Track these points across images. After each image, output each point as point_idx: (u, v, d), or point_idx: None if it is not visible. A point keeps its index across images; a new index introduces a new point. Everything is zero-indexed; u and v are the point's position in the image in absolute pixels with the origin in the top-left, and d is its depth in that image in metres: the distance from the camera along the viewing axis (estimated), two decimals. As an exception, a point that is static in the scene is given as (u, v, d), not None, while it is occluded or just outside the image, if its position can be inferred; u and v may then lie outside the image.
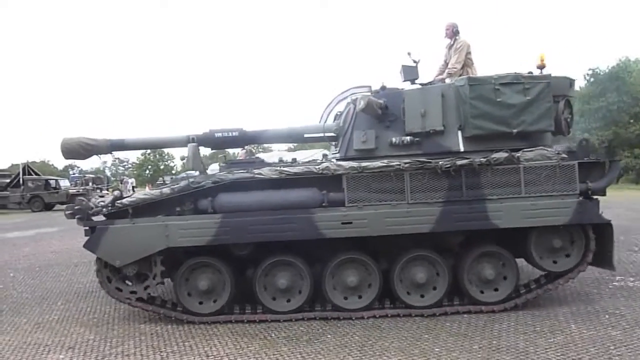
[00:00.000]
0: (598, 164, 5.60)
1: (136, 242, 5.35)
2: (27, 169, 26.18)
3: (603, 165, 5.58)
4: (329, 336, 4.99)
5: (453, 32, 6.65)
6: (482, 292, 5.59)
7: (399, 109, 5.76)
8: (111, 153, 6.29)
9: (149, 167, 41.22)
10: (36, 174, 26.94)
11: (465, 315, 5.39)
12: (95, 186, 27.88)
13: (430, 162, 5.30)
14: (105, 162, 43.28)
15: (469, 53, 6.59)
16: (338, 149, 6.28)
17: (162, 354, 4.67)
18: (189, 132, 6.13)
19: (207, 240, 5.34)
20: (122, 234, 5.37)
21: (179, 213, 5.48)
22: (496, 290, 5.59)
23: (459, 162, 5.28)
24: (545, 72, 5.71)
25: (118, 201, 5.46)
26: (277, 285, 5.53)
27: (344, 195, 5.37)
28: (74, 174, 41.48)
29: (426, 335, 4.89)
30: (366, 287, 5.57)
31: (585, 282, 6.57)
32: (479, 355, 4.37)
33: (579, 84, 32.97)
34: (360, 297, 5.57)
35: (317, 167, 5.46)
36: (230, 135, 6.23)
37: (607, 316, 5.25)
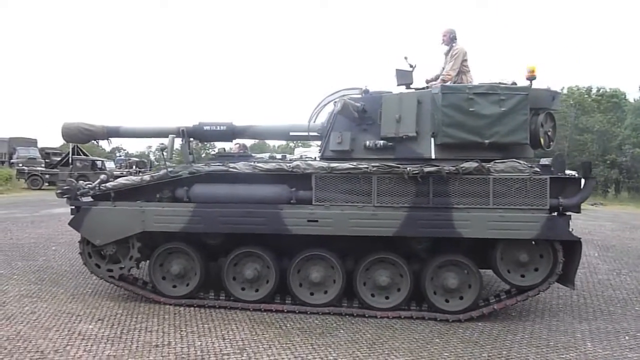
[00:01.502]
0: (574, 180, 5.48)
1: (115, 224, 5.72)
2: (77, 149, 27.58)
3: (579, 182, 5.46)
4: (341, 331, 5.14)
5: (450, 39, 6.60)
6: (446, 300, 5.62)
7: (377, 113, 5.84)
8: (107, 139, 6.71)
9: (191, 154, 42.34)
10: (85, 154, 28.37)
11: (479, 323, 5.42)
12: (138, 169, 29.08)
13: (398, 167, 5.36)
14: (150, 147, 44.80)
15: (465, 60, 6.53)
16: (320, 148, 6.43)
17: (182, 332, 4.97)
18: (180, 124, 6.44)
19: (179, 227, 5.64)
20: (103, 215, 5.76)
21: (158, 200, 5.82)
22: (460, 299, 5.60)
23: (427, 169, 5.31)
24: (543, 85, 5.70)
25: (103, 184, 5.85)
26: (245, 276, 5.76)
27: (312, 194, 5.53)
28: (120, 156, 43.40)
29: (437, 340, 4.95)
30: (330, 284, 5.71)
31: (612, 301, 6.45)
32: (487, 364, 4.40)
33: (634, 96, 31.38)
34: (326, 292, 5.72)
35: (288, 164, 5.64)
36: (219, 129, 6.50)
37: (627, 337, 5.13)
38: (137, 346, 4.59)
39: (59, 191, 5.89)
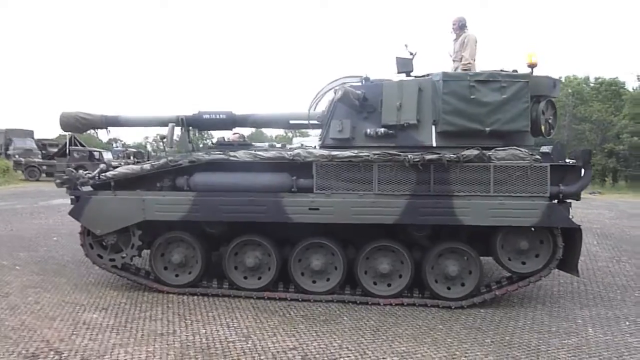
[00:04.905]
0: (575, 168, 5.49)
1: (116, 213, 5.71)
2: (74, 139, 27.41)
3: (579, 170, 5.47)
4: (345, 318, 5.17)
5: (460, 27, 6.58)
6: (448, 288, 5.65)
7: (378, 101, 5.81)
8: (106, 128, 6.68)
9: (190, 142, 42.20)
10: (82, 145, 28.22)
11: (481, 310, 5.46)
12: (136, 160, 28.97)
13: (399, 155, 5.34)
14: (147, 137, 44.61)
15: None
16: (320, 137, 6.41)
17: (186, 321, 4.98)
18: (179, 113, 6.41)
19: (180, 215, 5.63)
20: (103, 204, 5.74)
21: (159, 189, 5.80)
22: (462, 285, 5.63)
23: (428, 157, 5.30)
24: (540, 71, 5.64)
25: (103, 174, 5.83)
26: (246, 264, 5.77)
27: (312, 182, 5.52)
28: (117, 147, 43.13)
29: (440, 326, 4.99)
30: (332, 271, 5.72)
31: (611, 288, 6.51)
32: (490, 349, 4.45)
33: (633, 85, 31.35)
34: (328, 280, 5.74)
35: (289, 153, 5.62)
36: (218, 117, 6.47)
37: (627, 323, 5.20)
38: (142, 334, 4.61)
39: (58, 181, 5.87)
